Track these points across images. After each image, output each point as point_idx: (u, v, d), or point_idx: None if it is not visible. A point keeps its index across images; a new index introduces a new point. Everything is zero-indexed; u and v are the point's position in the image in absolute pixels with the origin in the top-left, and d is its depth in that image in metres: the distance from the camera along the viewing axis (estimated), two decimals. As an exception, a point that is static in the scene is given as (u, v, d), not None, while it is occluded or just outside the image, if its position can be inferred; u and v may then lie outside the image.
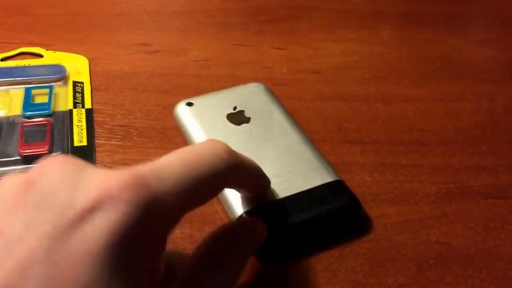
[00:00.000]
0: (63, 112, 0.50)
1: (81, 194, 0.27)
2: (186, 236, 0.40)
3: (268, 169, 0.42)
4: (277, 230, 0.39)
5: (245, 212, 0.40)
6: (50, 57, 0.57)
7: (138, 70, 0.56)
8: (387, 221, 0.42)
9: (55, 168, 0.29)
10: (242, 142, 0.45)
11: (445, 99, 0.54)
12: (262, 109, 0.49)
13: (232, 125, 0.47)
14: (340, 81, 0.56)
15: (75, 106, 0.50)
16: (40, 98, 0.51)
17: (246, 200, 0.40)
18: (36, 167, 0.29)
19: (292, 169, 0.43)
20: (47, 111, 0.49)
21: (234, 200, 0.41)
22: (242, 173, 0.35)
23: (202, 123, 0.47)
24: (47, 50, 0.58)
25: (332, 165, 0.44)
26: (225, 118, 0.47)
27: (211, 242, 0.34)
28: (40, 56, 0.57)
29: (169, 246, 0.39)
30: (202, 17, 0.65)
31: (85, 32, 0.62)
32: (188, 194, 0.30)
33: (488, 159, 0.47)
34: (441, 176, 0.46)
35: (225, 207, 0.41)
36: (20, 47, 0.58)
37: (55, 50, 0.58)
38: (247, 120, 0.47)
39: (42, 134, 0.47)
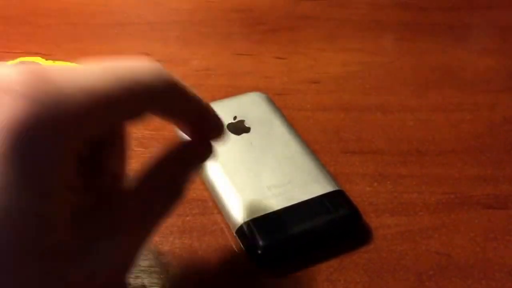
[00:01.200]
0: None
1: None
2: (185, 246, 0.40)
3: (268, 179, 0.42)
4: (277, 241, 0.39)
5: (245, 222, 0.40)
6: (50, 67, 0.57)
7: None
8: (387, 231, 0.42)
9: None
10: (242, 152, 0.45)
11: (446, 109, 0.54)
12: (263, 119, 0.49)
13: (232, 134, 0.47)
14: (341, 91, 0.56)
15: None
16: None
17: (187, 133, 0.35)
18: None
19: (292, 179, 0.43)
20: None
21: (235, 210, 0.41)
22: (178, 95, 0.31)
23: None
24: (46, 59, 0.58)
25: (332, 175, 0.44)
26: (225, 128, 0.47)
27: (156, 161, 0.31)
28: (41, 65, 0.57)
29: (169, 257, 0.39)
30: (203, 27, 0.65)
31: (85, 42, 0.62)
32: (107, 98, 0.27)
33: (488, 169, 0.47)
34: (441, 186, 0.45)
35: (225, 217, 0.41)
36: (19, 56, 0.58)
37: (54, 59, 0.58)
38: (247, 129, 0.47)
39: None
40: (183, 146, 0.33)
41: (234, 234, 0.40)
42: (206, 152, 0.34)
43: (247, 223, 0.40)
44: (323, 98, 0.55)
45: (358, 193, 0.44)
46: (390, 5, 0.70)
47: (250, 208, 0.40)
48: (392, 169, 0.47)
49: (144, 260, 0.39)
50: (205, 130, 0.35)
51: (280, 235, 0.39)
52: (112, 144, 0.32)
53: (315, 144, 0.48)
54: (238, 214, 0.40)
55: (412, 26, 0.67)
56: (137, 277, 0.38)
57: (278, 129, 0.48)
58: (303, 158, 0.45)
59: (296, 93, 0.55)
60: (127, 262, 0.29)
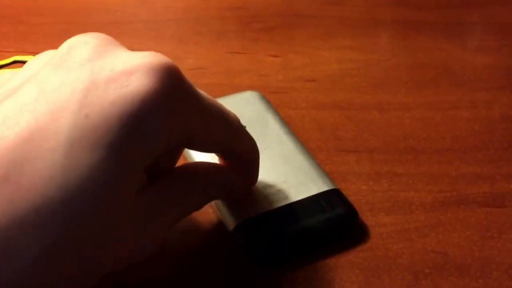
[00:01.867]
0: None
1: (121, 61, 0.29)
2: (181, 246, 0.40)
3: (263, 178, 0.41)
4: (273, 240, 0.39)
5: (241, 222, 0.39)
6: (44, 66, 0.57)
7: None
8: (383, 230, 0.41)
9: (94, 39, 0.31)
10: (236, 151, 0.45)
11: (442, 107, 0.54)
12: (257, 117, 0.48)
13: (227, 133, 0.46)
14: (336, 89, 0.56)
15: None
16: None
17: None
18: (74, 38, 0.31)
19: (287, 178, 0.43)
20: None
21: (230, 209, 0.40)
22: (248, 143, 0.38)
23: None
24: (40, 58, 0.57)
25: (327, 174, 0.43)
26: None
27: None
28: (34, 65, 0.57)
29: (163, 256, 0.38)
30: (198, 25, 0.65)
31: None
32: (206, 117, 0.33)
33: (485, 167, 0.47)
34: (438, 184, 0.45)
35: (221, 216, 0.41)
36: (14, 55, 0.58)
37: (49, 58, 0.58)
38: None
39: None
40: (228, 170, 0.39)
41: (230, 234, 0.40)
42: (240, 186, 0.40)
43: (242, 223, 0.39)
44: (318, 97, 0.55)
45: (354, 192, 0.44)
46: (386, 2, 0.70)
47: (246, 208, 0.40)
48: (388, 167, 0.47)
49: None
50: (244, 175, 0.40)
51: (275, 235, 0.39)
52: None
53: (311, 142, 0.48)
54: (233, 213, 0.40)
55: (408, 24, 0.66)
56: (131, 276, 0.38)
57: (273, 128, 0.47)
58: (298, 157, 0.45)
59: (291, 92, 0.55)
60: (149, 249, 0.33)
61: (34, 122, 0.27)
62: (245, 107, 0.49)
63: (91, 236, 0.27)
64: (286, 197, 0.41)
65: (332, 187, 0.42)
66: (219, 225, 0.41)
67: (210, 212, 0.42)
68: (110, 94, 0.27)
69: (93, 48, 0.30)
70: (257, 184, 0.41)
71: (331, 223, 0.40)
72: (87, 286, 0.29)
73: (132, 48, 0.58)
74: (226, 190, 0.39)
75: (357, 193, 0.44)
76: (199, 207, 0.36)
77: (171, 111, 0.29)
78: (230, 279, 0.38)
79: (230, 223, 0.40)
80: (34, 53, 0.58)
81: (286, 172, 0.43)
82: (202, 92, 0.33)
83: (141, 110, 0.28)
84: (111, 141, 0.27)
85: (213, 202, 0.42)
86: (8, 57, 0.58)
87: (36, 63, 0.32)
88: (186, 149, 0.45)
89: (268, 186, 0.42)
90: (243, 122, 0.46)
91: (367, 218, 0.42)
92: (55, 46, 0.59)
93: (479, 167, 0.47)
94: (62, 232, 0.26)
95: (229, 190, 0.39)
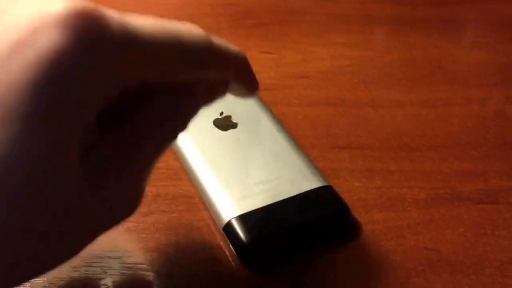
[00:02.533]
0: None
1: (26, 15, 0.24)
2: (171, 243, 0.40)
3: (255, 175, 0.41)
4: (265, 237, 0.39)
5: (233, 219, 0.39)
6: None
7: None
8: (376, 227, 0.41)
9: None
10: (229, 148, 0.44)
11: (436, 104, 0.54)
12: (250, 114, 0.48)
13: (219, 130, 0.46)
14: (329, 86, 0.56)
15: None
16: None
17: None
18: None
19: (280, 174, 0.42)
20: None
21: (222, 206, 0.40)
22: (222, 59, 0.32)
23: (188, 129, 0.46)
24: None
25: (320, 171, 0.43)
26: (212, 124, 0.46)
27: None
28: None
29: (154, 253, 0.38)
30: (190, 22, 0.65)
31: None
32: (149, 53, 0.27)
33: (478, 164, 0.47)
34: (431, 181, 0.45)
35: (212, 213, 0.41)
36: None
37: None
38: (234, 125, 0.47)
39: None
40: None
41: (221, 231, 0.39)
42: (223, 87, 0.34)
43: (234, 220, 0.39)
44: (311, 93, 0.54)
45: (347, 189, 0.44)
46: (380, -1, 0.70)
47: (238, 205, 0.40)
48: (381, 164, 0.47)
49: (129, 257, 0.39)
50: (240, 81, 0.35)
51: (268, 231, 0.39)
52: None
53: (304, 139, 0.48)
54: (225, 210, 0.40)
55: (402, 20, 0.66)
56: (122, 274, 0.38)
57: (266, 125, 0.47)
58: (291, 154, 0.44)
59: (284, 88, 0.55)
60: (134, 198, 0.30)
61: None
62: (237, 103, 0.49)
63: (24, 223, 0.24)
64: (278, 194, 0.41)
65: (324, 184, 0.42)
66: (211, 222, 0.41)
67: (201, 209, 0.42)
68: (17, 57, 0.23)
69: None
70: (249, 180, 0.41)
71: (324, 220, 0.40)
72: (19, 282, 0.26)
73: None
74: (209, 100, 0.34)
75: (350, 190, 0.44)
76: (170, 140, 0.32)
77: (91, 65, 0.24)
78: (222, 276, 0.38)
79: (222, 220, 0.40)
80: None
81: (279, 168, 0.43)
82: (142, 22, 0.27)
83: (52, 73, 0.23)
84: (24, 112, 0.23)
85: (204, 200, 0.42)
86: None
87: None
88: (179, 146, 0.45)
89: (260, 183, 0.41)
90: (236, 119, 0.46)
91: (360, 215, 0.42)
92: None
93: (472, 164, 0.47)
94: None
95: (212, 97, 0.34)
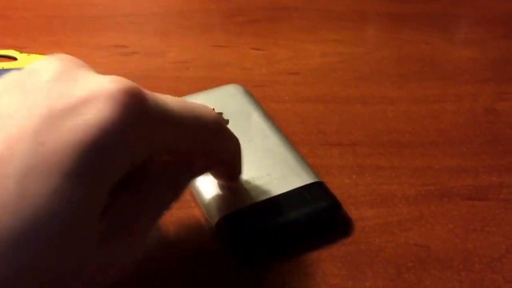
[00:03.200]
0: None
1: (80, 86, 0.28)
2: (162, 241, 0.40)
3: (247, 172, 0.41)
4: (256, 234, 0.38)
5: (224, 216, 0.39)
6: (24, 60, 0.56)
7: (115, 72, 0.53)
8: (366, 223, 0.41)
9: (58, 61, 0.30)
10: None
11: (427, 100, 0.54)
12: (241, 111, 0.48)
13: (210, 127, 0.46)
14: (320, 82, 0.55)
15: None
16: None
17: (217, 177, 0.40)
18: (39, 60, 0.30)
19: (271, 171, 0.42)
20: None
21: (213, 203, 0.40)
22: (227, 142, 0.37)
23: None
24: (21, 52, 0.57)
25: (311, 167, 0.43)
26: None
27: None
28: (14, 59, 0.56)
29: (145, 251, 0.38)
30: (181, 18, 0.65)
31: (60, 35, 0.61)
32: (176, 130, 0.31)
33: (468, 160, 0.47)
34: (421, 178, 0.45)
35: (203, 210, 0.41)
36: (-5, 50, 0.58)
37: (29, 52, 0.57)
38: (225, 122, 0.46)
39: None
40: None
41: (213, 228, 0.39)
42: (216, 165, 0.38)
43: (225, 217, 0.39)
44: (302, 90, 0.54)
45: (337, 185, 0.43)
46: (371, -5, 0.69)
47: (229, 202, 0.40)
48: (371, 161, 0.46)
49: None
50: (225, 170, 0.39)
51: (259, 228, 0.39)
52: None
53: (294, 136, 0.48)
54: (216, 207, 0.40)
55: (393, 17, 0.66)
56: None
57: (257, 121, 0.47)
58: (282, 150, 0.44)
59: (275, 85, 0.55)
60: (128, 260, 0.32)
61: None
62: (228, 100, 0.49)
63: (51, 268, 0.26)
64: (270, 191, 0.41)
65: (316, 180, 0.42)
66: (202, 219, 0.41)
67: (193, 206, 0.42)
68: (67, 122, 0.26)
69: (54, 70, 0.29)
70: (240, 177, 0.41)
71: (315, 216, 0.40)
72: None
73: (114, 43, 0.58)
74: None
75: (340, 187, 0.43)
76: (167, 209, 0.34)
77: (131, 137, 0.28)
78: (213, 273, 0.38)
79: (213, 217, 0.39)
80: (15, 47, 0.58)
81: (270, 165, 0.43)
82: (171, 101, 0.31)
83: (98, 139, 0.26)
84: (67, 168, 0.26)
85: (195, 197, 0.41)
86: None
87: None
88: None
89: (251, 179, 0.41)
90: (226, 115, 0.46)
91: (350, 211, 0.42)
92: (36, 40, 0.59)
93: (462, 160, 0.47)
94: (17, 265, 0.25)
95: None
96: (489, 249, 0.39)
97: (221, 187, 0.41)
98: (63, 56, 0.31)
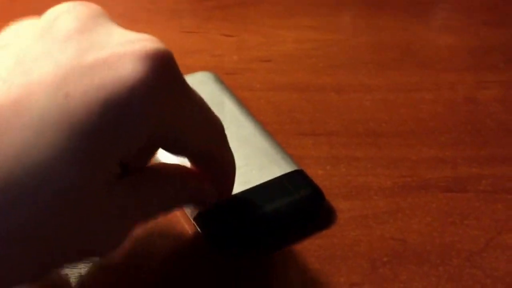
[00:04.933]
0: None
1: (114, 40, 0.27)
2: (142, 234, 0.38)
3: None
4: (236, 225, 0.37)
5: (203, 209, 0.38)
6: None
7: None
8: (340, 216, 0.40)
9: (83, 7, 0.28)
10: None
11: (404, 89, 0.52)
12: (213, 99, 0.46)
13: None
14: (293, 70, 0.54)
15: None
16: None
17: None
18: (60, 6, 0.29)
19: (248, 161, 0.41)
20: None
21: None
22: (228, 154, 0.35)
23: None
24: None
25: (290, 155, 0.42)
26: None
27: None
28: None
29: (124, 244, 0.36)
30: (149, 3, 0.63)
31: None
32: (192, 111, 0.30)
33: (447, 150, 0.45)
34: (398, 169, 0.44)
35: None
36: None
37: None
38: None
39: None
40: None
41: (192, 221, 0.38)
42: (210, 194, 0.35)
43: (204, 210, 0.37)
44: (275, 78, 0.53)
45: (311, 177, 0.42)
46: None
47: None
48: (346, 151, 0.45)
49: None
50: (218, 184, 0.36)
51: (239, 220, 0.37)
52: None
53: (267, 125, 0.46)
54: None
55: (370, 2, 0.65)
56: (92, 266, 0.36)
57: (230, 110, 0.46)
58: (258, 139, 0.43)
59: (247, 72, 0.53)
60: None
61: (6, 95, 0.25)
62: (199, 88, 0.46)
63: (55, 224, 0.25)
64: (248, 181, 0.39)
65: (296, 168, 0.41)
66: (181, 212, 0.39)
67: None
68: (96, 77, 0.25)
69: (81, 18, 0.27)
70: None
71: (298, 205, 0.39)
72: (41, 275, 0.27)
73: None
74: (197, 199, 0.35)
75: (314, 178, 0.42)
76: (168, 210, 0.33)
77: (158, 103, 0.27)
78: (193, 266, 0.36)
79: (193, 210, 0.38)
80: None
81: (247, 155, 0.42)
82: (193, 89, 0.31)
83: (128, 99, 0.25)
84: (90, 128, 0.25)
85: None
86: None
87: (14, 30, 0.29)
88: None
89: None
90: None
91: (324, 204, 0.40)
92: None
93: (441, 150, 0.45)
94: (25, 217, 0.24)
95: (201, 199, 0.35)
96: (468, 243, 0.38)
97: None
98: (87, 2, 0.29)
